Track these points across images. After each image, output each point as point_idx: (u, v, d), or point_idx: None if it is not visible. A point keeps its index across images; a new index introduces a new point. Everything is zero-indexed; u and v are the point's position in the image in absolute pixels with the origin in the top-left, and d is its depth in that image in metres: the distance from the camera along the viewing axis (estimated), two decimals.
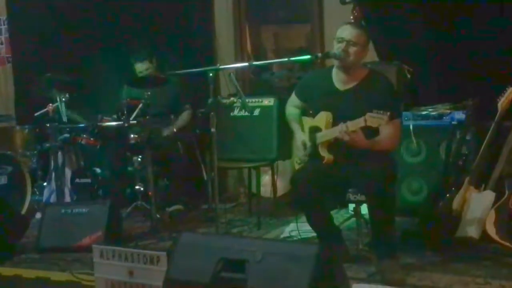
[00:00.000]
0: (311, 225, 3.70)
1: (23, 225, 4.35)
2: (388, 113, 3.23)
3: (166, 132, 4.98)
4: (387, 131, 3.47)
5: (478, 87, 4.27)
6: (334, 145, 3.54)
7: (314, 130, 3.67)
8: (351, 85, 3.61)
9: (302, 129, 3.81)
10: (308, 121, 3.78)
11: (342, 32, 3.55)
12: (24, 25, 6.45)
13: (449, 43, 4.53)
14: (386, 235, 3.44)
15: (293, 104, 3.92)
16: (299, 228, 4.00)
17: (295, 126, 3.87)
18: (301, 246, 2.89)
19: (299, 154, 3.78)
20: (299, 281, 2.57)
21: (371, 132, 3.44)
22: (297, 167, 3.82)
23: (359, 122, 3.31)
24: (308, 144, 3.69)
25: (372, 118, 3.25)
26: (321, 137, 3.60)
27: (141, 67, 5.17)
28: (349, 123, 3.39)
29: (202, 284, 2.71)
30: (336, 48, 3.55)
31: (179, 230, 4.34)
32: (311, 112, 3.77)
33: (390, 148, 3.58)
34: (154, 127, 4.72)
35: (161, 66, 5.30)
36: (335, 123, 3.52)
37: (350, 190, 3.69)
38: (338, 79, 3.65)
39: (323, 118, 3.60)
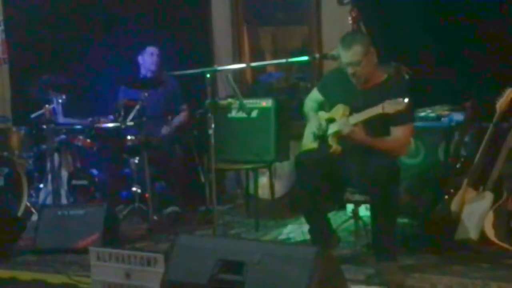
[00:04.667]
0: (304, 208, 3.69)
1: (20, 227, 4.33)
2: (406, 100, 3.25)
3: (163, 132, 4.97)
4: (397, 133, 3.50)
5: (476, 89, 4.26)
6: (344, 137, 3.55)
7: (329, 121, 3.68)
8: (370, 86, 3.62)
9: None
10: (324, 114, 3.78)
11: (342, 57, 3.55)
12: (21, 27, 6.43)
13: (448, 44, 4.52)
14: (386, 236, 3.43)
15: (313, 99, 3.92)
16: (298, 229, 3.98)
17: (311, 114, 3.86)
18: (299, 248, 2.88)
19: (309, 139, 3.79)
20: (297, 283, 2.55)
21: (379, 132, 3.48)
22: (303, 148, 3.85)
23: (377, 109, 3.35)
24: (323, 124, 3.69)
25: (390, 105, 3.30)
26: (332, 127, 3.62)
27: (153, 49, 5.20)
28: (353, 116, 3.45)
29: (199, 286, 2.70)
30: (347, 70, 3.58)
31: (177, 232, 4.32)
32: (329, 107, 3.77)
33: (397, 150, 3.60)
34: (151, 129, 4.71)
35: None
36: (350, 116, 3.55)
37: (348, 189, 3.68)
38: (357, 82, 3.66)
39: (339, 109, 3.61)
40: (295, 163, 3.70)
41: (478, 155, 3.77)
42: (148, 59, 5.23)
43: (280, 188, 5.24)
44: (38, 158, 5.39)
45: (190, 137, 5.24)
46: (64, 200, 5.01)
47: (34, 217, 4.86)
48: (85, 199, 5.08)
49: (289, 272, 2.59)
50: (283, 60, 3.99)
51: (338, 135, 3.58)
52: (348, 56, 3.51)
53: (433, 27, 4.61)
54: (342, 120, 3.51)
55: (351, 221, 4.02)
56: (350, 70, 3.55)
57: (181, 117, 5.24)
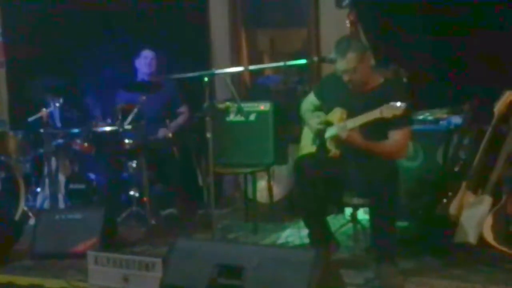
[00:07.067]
0: (303, 211, 3.68)
1: (17, 231, 4.31)
2: (404, 104, 3.26)
3: (160, 134, 4.96)
4: (395, 137, 3.48)
5: (475, 92, 4.26)
6: (342, 141, 3.53)
7: (326, 124, 3.67)
8: (367, 89, 3.61)
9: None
10: (321, 116, 3.77)
11: (337, 64, 3.54)
12: (18, 30, 6.43)
13: (446, 47, 4.52)
14: (386, 239, 3.42)
15: (309, 102, 3.90)
16: (296, 233, 3.98)
17: (308, 115, 3.84)
18: (298, 252, 2.88)
19: (307, 142, 3.78)
20: (296, 287, 2.54)
21: (377, 136, 3.46)
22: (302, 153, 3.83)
23: (375, 114, 3.35)
24: (322, 119, 3.68)
25: (387, 109, 3.30)
26: (330, 131, 3.61)
27: (148, 53, 5.20)
28: (350, 120, 3.44)
29: None
30: (344, 77, 3.56)
31: (175, 235, 4.30)
32: (326, 111, 3.76)
33: (395, 154, 3.57)
34: (149, 132, 4.70)
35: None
36: (348, 120, 3.54)
37: (347, 193, 3.67)
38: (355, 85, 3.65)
39: (337, 113, 3.60)
40: (294, 167, 3.70)
41: (477, 158, 3.77)
42: (143, 63, 5.23)
43: (278, 192, 5.23)
44: (35, 162, 5.39)
45: (188, 140, 5.23)
46: (61, 204, 5.00)
47: (32, 222, 4.84)
48: (82, 203, 5.06)
49: (287, 276, 2.58)
50: (281, 63, 3.99)
51: (336, 139, 3.57)
52: (343, 64, 3.50)
53: (431, 30, 4.61)
54: (339, 125, 3.51)
55: (350, 225, 4.01)
56: (345, 77, 3.54)
57: (180, 120, 5.23)
